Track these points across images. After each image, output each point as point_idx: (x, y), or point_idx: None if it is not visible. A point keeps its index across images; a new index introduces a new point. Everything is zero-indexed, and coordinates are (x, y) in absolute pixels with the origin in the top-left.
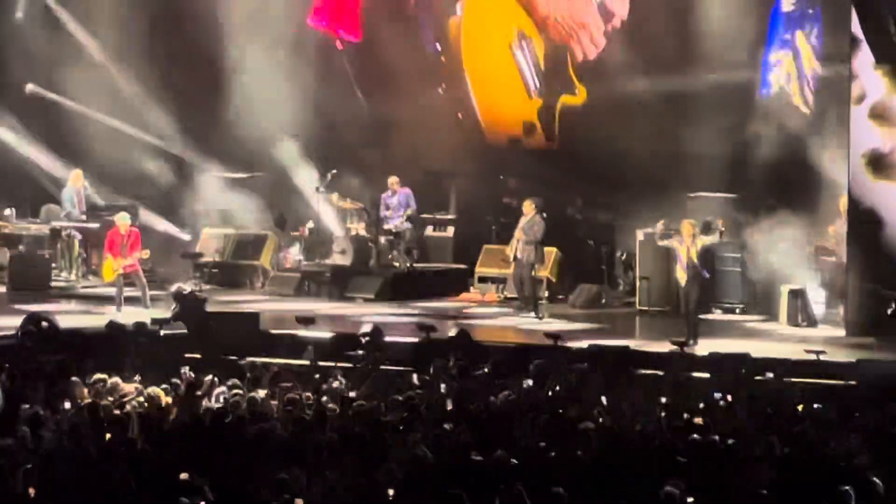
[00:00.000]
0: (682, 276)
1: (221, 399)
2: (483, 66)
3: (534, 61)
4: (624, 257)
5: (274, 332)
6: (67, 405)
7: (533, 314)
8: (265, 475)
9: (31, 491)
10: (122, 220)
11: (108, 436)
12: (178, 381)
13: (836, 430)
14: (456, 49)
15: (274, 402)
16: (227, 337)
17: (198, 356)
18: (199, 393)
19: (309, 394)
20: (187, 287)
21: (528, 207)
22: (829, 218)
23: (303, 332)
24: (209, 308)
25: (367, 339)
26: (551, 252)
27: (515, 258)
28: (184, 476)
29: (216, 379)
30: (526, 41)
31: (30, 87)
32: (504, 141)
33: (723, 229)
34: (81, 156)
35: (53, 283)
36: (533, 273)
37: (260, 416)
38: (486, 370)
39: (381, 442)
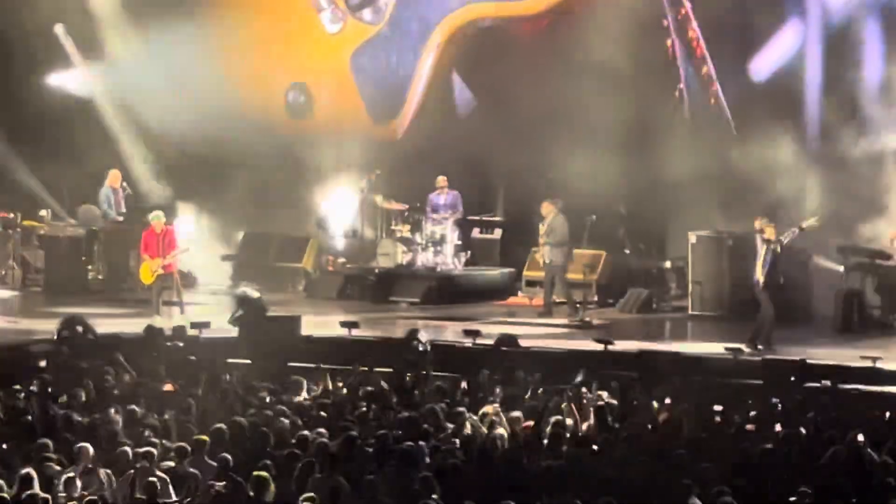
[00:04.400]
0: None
1: None
2: None
3: None
4: (670, 263)
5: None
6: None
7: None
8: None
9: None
10: (156, 218)
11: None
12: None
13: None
14: None
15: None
16: (268, 341)
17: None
18: None
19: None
20: (253, 291)
21: (547, 209)
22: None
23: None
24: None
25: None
26: (600, 255)
27: (545, 263)
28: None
29: None
30: None
31: None
32: None
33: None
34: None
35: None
36: (566, 275)
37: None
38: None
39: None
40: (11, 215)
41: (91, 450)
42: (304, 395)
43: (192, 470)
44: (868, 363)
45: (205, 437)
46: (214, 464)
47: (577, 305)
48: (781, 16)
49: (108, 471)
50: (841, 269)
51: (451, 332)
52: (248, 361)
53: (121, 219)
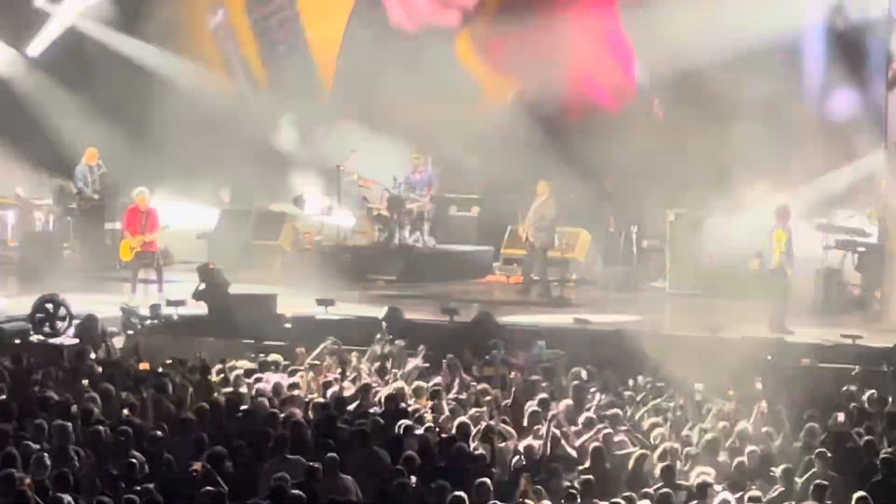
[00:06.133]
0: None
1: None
2: None
3: None
4: (646, 242)
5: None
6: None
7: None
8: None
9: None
10: (141, 195)
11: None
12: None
13: (871, 416)
14: None
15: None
16: (244, 319)
17: (213, 339)
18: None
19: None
20: (212, 263)
21: (542, 188)
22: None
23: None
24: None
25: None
26: (579, 233)
27: (527, 240)
28: (196, 465)
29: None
30: None
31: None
32: None
33: None
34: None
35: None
36: (546, 256)
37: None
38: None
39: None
40: None
41: (65, 428)
42: (281, 373)
43: (168, 448)
44: (848, 341)
45: (181, 416)
46: (191, 443)
47: (554, 285)
48: None
49: (83, 450)
50: None
51: (429, 310)
52: (224, 339)
53: (96, 196)
